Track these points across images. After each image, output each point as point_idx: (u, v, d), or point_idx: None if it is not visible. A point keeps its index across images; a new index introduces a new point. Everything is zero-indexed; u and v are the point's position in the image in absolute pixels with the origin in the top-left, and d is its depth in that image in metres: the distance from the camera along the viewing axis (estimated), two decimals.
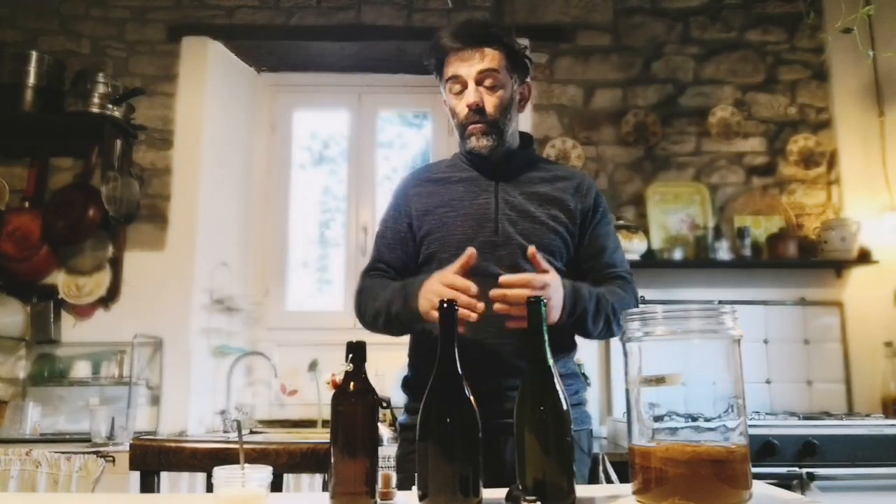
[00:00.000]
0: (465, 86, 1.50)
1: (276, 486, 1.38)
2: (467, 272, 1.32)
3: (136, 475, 1.39)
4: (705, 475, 0.95)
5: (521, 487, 0.98)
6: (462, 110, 1.52)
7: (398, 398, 3.04)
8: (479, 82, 1.49)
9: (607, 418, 2.93)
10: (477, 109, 1.49)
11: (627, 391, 1.06)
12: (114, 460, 2.35)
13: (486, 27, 1.53)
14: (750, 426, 1.05)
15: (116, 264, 3.00)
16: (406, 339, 1.59)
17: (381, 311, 1.48)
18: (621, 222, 2.98)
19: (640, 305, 1.37)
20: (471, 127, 1.52)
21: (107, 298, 2.96)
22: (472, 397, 1.01)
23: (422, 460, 0.98)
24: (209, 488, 1.02)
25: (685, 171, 3.19)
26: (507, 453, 1.37)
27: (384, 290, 1.49)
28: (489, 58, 1.49)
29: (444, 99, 1.60)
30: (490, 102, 1.50)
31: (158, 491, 1.41)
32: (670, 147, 3.20)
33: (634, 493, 1.02)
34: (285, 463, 1.39)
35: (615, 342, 2.74)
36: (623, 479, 2.18)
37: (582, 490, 1.04)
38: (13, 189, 3.06)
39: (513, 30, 3.21)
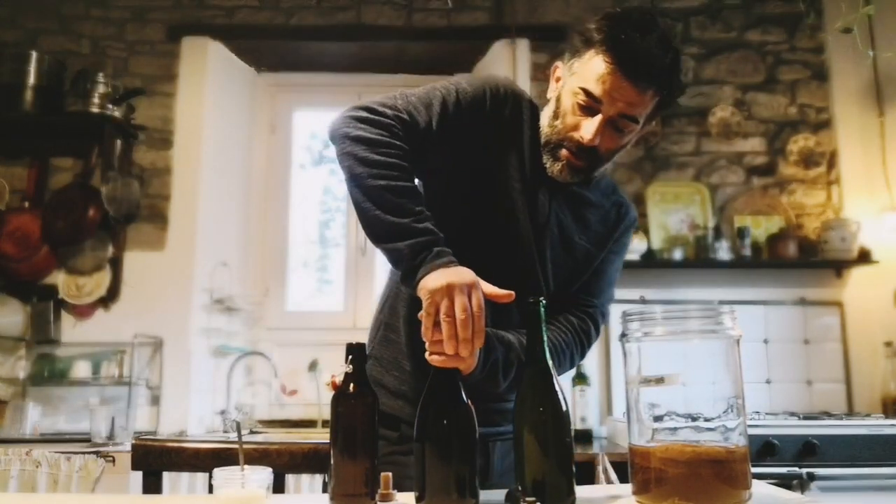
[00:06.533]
0: (594, 112, 1.19)
1: (279, 486, 1.38)
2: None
3: (135, 475, 1.38)
4: (705, 475, 0.95)
5: (520, 488, 0.98)
6: (573, 130, 1.22)
7: None
8: (612, 121, 1.20)
9: (607, 418, 2.93)
10: (589, 148, 1.21)
11: (627, 391, 1.06)
12: (114, 460, 2.35)
13: (669, 69, 1.17)
14: (750, 426, 1.05)
15: (116, 264, 3.00)
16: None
17: (376, 214, 1.12)
18: None
19: (640, 306, 1.35)
20: (566, 152, 1.23)
21: (107, 298, 2.96)
22: (468, 401, 1.01)
23: (418, 462, 0.98)
24: (211, 489, 1.02)
25: (685, 171, 3.18)
26: (494, 459, 1.34)
27: (403, 197, 1.13)
28: (642, 104, 1.19)
29: (557, 74, 1.29)
30: (607, 145, 1.22)
31: (161, 491, 1.40)
32: (670, 147, 3.20)
33: (634, 493, 1.02)
34: (287, 463, 1.39)
35: (615, 342, 2.73)
36: (623, 479, 2.18)
37: (582, 490, 1.03)
38: (13, 189, 3.06)
39: (513, 30, 3.21)
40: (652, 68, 1.15)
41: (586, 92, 1.19)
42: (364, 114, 1.20)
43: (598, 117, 1.19)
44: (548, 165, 1.26)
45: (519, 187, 1.27)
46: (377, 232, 1.13)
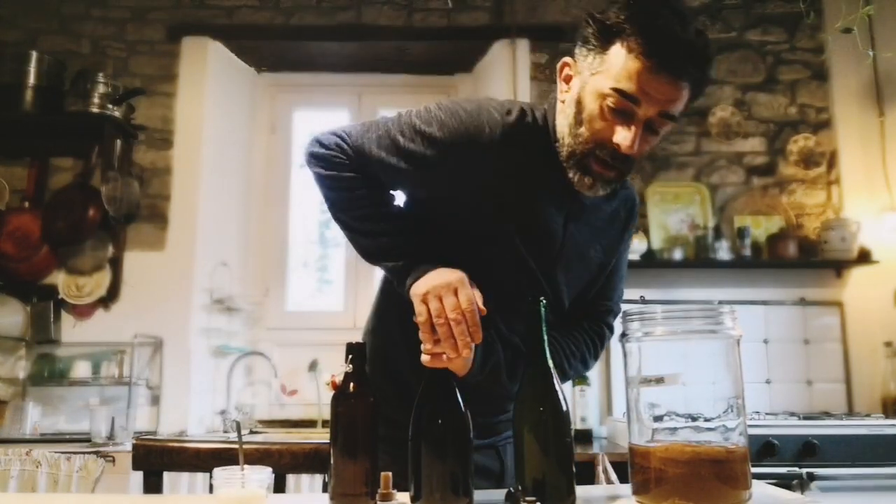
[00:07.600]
0: (629, 113, 1.03)
1: (280, 486, 1.38)
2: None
3: (135, 475, 1.38)
4: (705, 475, 0.95)
5: (520, 488, 0.98)
6: (605, 137, 1.06)
7: None
8: (649, 122, 1.05)
9: (607, 418, 2.93)
10: (626, 157, 1.07)
11: (627, 391, 1.06)
12: (114, 460, 2.36)
13: (705, 58, 1.06)
14: (750, 426, 1.04)
15: (116, 264, 3.00)
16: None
17: (365, 231, 1.16)
18: None
19: (640, 306, 1.34)
20: (598, 166, 1.08)
21: (107, 298, 2.96)
22: (462, 401, 1.01)
23: (413, 461, 0.98)
24: (211, 489, 1.02)
25: (685, 171, 3.18)
26: (508, 462, 1.33)
27: (387, 214, 1.16)
28: (681, 100, 1.04)
29: (568, 72, 1.13)
30: (642, 149, 1.07)
31: (162, 491, 1.40)
32: (670, 147, 3.20)
33: (634, 493, 1.02)
34: (289, 463, 1.39)
35: (615, 342, 2.72)
36: (623, 479, 2.18)
37: (582, 490, 1.03)
38: (13, 189, 3.06)
39: (513, 30, 3.21)
40: (692, 60, 1.02)
41: (620, 92, 1.02)
42: (319, 150, 1.19)
43: (637, 123, 1.04)
44: (575, 180, 1.10)
45: (532, 217, 1.16)
46: (366, 253, 1.18)
